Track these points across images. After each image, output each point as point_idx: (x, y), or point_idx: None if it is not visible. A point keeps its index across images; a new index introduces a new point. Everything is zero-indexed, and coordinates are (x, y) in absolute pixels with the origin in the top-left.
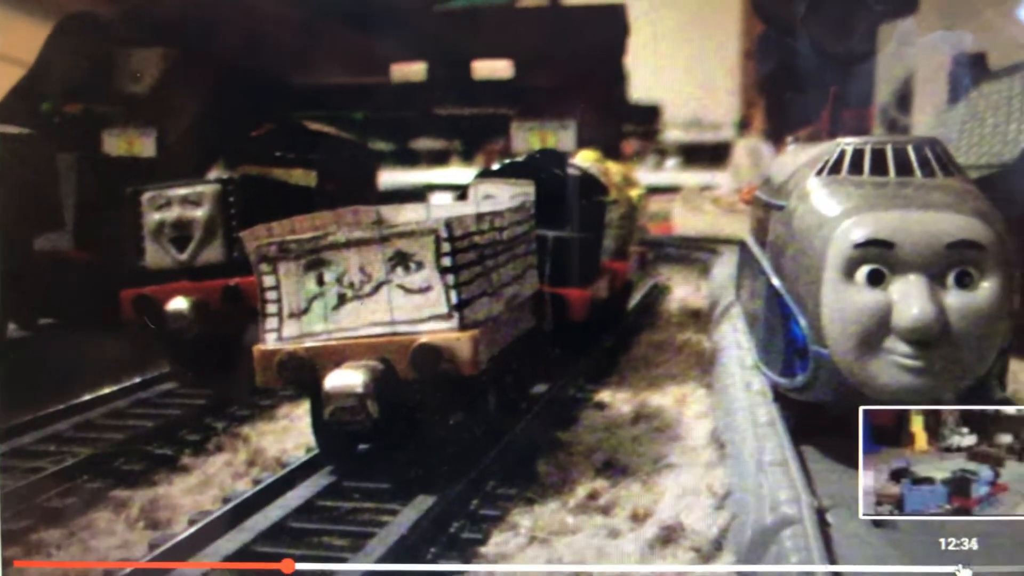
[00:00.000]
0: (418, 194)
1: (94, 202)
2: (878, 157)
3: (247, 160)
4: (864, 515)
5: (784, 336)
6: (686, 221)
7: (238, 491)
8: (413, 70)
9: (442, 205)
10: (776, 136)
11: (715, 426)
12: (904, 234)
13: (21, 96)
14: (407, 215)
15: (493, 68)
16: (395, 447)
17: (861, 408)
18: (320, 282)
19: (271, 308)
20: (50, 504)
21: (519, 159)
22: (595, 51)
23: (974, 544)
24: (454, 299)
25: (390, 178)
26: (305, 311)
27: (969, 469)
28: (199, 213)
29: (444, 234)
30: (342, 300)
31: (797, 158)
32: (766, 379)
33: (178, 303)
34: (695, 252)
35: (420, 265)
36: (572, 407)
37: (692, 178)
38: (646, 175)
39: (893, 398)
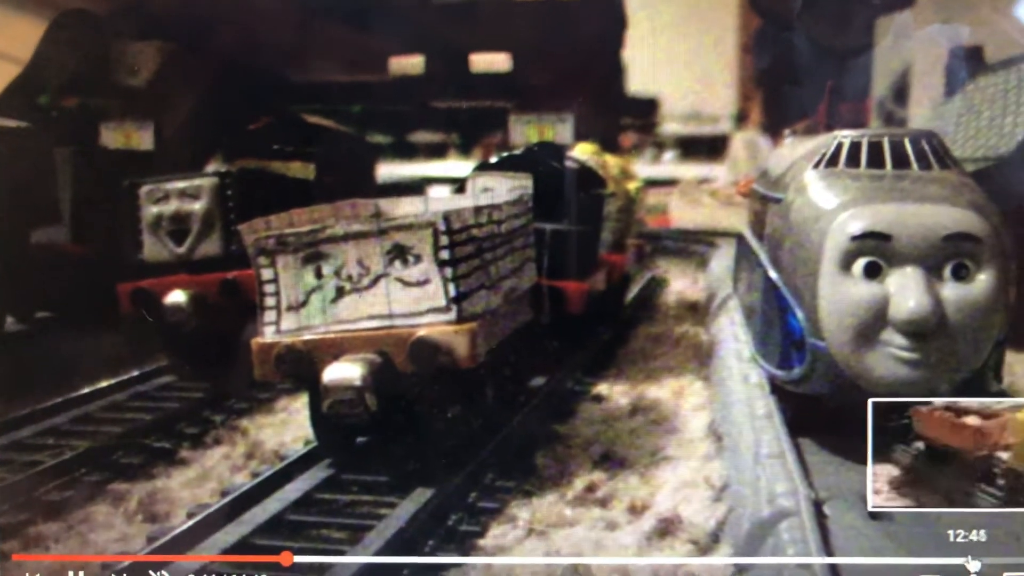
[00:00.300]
0: (416, 187)
1: (91, 195)
2: (875, 150)
3: (245, 153)
4: (873, 507)
5: (781, 328)
6: (684, 214)
7: (236, 484)
8: (411, 63)
9: (440, 198)
10: (773, 129)
11: (712, 418)
12: (901, 227)
13: (18, 90)
14: (405, 208)
15: (491, 61)
16: (393, 440)
17: (870, 400)
18: (318, 275)
19: (269, 301)
20: (48, 498)
21: (517, 152)
22: (593, 44)
23: (982, 536)
24: (452, 292)
25: (388, 171)
26: (303, 304)
27: None
28: (197, 206)
29: (442, 227)
30: (340, 293)
31: (794, 151)
32: (763, 371)
33: (176, 296)
34: (693, 245)
35: (418, 258)
36: (570, 400)
37: (690, 171)
38: (644, 168)
39: (889, 390)
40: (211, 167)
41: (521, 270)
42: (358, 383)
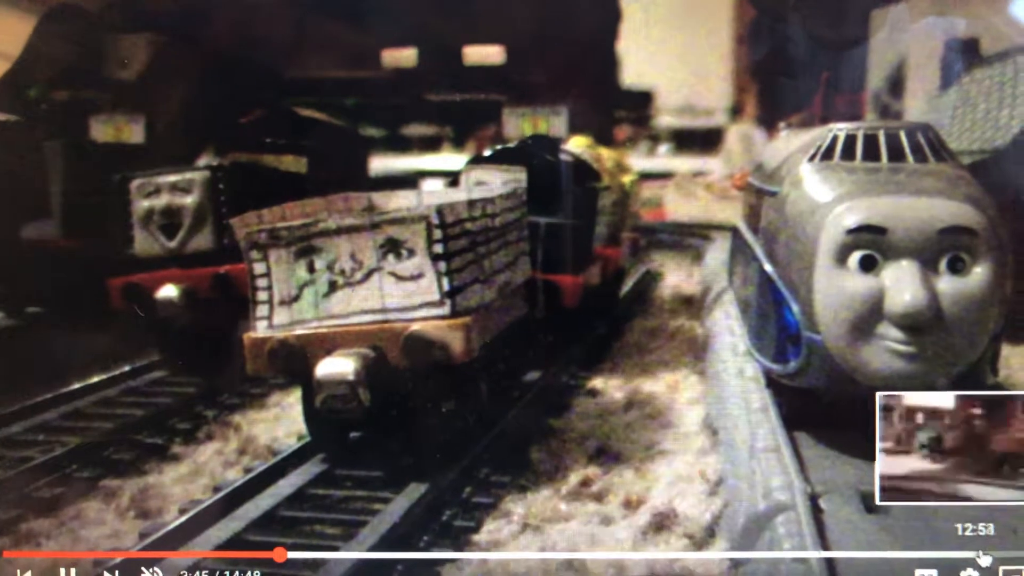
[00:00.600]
0: (409, 180)
1: (82, 190)
2: (870, 143)
3: (237, 147)
4: (880, 501)
5: (777, 322)
6: (679, 207)
7: (229, 480)
8: (404, 56)
9: (434, 191)
10: (768, 122)
11: (708, 412)
12: (896, 220)
13: (7, 83)
14: (398, 202)
15: (485, 54)
16: (387, 435)
17: (878, 394)
18: (311, 269)
19: (261, 296)
20: (39, 494)
21: (511, 145)
22: (587, 37)
23: (991, 530)
24: (446, 286)
25: (381, 164)
26: (296, 298)
27: None
28: (188, 200)
29: (435, 221)
30: (333, 287)
31: (789, 144)
32: (759, 365)
33: (167, 291)
34: (688, 238)
35: (411, 252)
36: (565, 394)
37: (685, 164)
38: (639, 161)
39: (885, 384)
40: (203, 161)
41: (515, 264)
42: (351, 378)
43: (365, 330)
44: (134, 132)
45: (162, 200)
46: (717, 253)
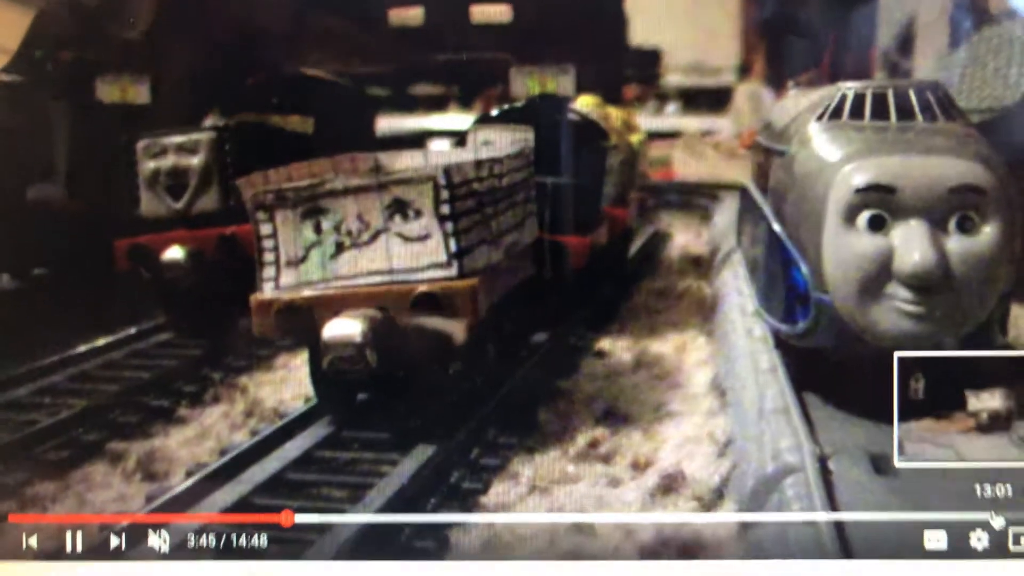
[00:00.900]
0: (416, 140)
1: (87, 150)
2: (879, 101)
3: (243, 107)
4: (899, 461)
5: (785, 282)
6: (687, 167)
7: (236, 442)
8: (410, 15)
9: (441, 151)
10: (777, 81)
11: (716, 373)
12: (905, 179)
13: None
14: (405, 162)
15: (491, 12)
16: (394, 396)
17: (896, 354)
18: (317, 230)
19: (268, 257)
20: (45, 457)
21: (518, 104)
22: None
23: (1002, 491)
24: (453, 247)
25: (388, 124)
26: (303, 260)
27: None
28: (195, 161)
29: (443, 181)
30: (340, 248)
31: (798, 103)
32: (767, 326)
33: (174, 252)
34: (696, 198)
35: (419, 213)
36: (572, 355)
37: (693, 123)
38: (646, 120)
39: (894, 343)
40: (209, 121)
41: (523, 225)
42: (358, 339)
43: (372, 291)
44: (140, 93)
45: (168, 161)
46: (725, 213)
